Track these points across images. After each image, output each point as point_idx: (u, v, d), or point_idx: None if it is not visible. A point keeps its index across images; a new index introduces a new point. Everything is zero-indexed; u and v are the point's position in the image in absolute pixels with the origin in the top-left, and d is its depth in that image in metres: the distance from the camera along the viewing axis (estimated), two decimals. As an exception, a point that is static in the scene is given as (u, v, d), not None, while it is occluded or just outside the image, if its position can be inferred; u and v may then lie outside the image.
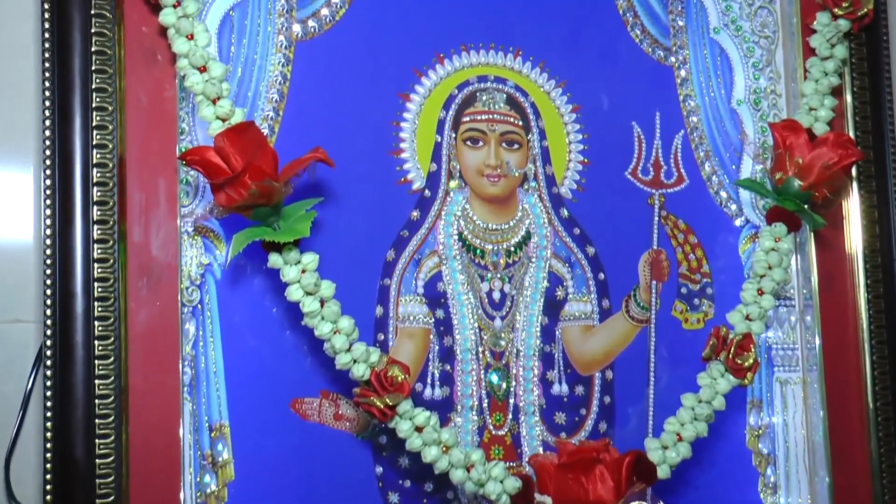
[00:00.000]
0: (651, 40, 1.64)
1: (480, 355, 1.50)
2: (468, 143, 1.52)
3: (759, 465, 1.61)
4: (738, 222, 1.63)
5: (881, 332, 1.59)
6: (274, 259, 1.27)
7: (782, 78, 1.68)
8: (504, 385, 1.49)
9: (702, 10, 1.67)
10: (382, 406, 1.28)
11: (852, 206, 1.63)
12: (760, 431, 1.61)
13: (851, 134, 1.62)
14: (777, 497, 1.60)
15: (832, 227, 1.62)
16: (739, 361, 1.43)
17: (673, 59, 1.65)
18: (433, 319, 1.49)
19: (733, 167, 1.65)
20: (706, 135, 1.65)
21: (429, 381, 1.47)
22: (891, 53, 1.67)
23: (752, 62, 1.67)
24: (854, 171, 1.60)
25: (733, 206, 1.63)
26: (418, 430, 1.30)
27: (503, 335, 1.51)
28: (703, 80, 1.66)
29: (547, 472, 1.33)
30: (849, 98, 1.63)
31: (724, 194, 1.64)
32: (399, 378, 1.28)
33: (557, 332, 1.53)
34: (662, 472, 1.38)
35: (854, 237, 1.63)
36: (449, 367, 1.48)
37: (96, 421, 1.25)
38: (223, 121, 1.26)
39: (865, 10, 1.57)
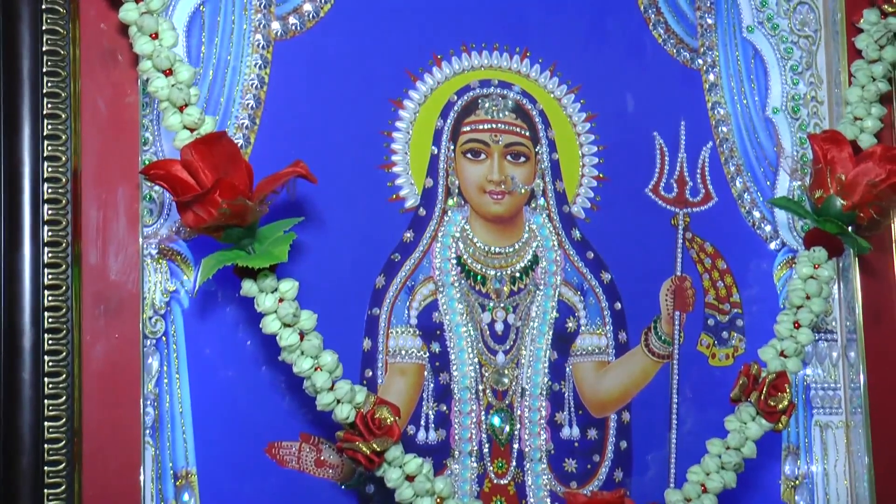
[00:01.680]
0: (676, 40, 1.69)
1: (481, 395, 1.53)
2: (468, 155, 1.56)
3: (796, 520, 1.62)
4: (772, 246, 1.67)
5: None
6: (248, 286, 1.29)
7: (824, 83, 1.72)
8: (507, 428, 1.53)
9: (734, 6, 1.72)
10: (369, 452, 1.31)
11: None
12: (797, 482, 1.66)
13: None
14: (817, 557, 1.63)
15: (879, 251, 1.66)
16: (773, 403, 1.45)
17: (700, 61, 1.70)
18: (428, 354, 1.53)
19: (768, 184, 1.69)
20: (738, 147, 1.70)
21: (422, 423, 1.50)
22: None
23: (790, 65, 1.72)
24: None
25: (768, 228, 1.68)
26: (409, 478, 1.34)
27: (506, 372, 1.54)
28: (735, 85, 1.71)
29: (555, 527, 1.33)
30: None
31: (757, 214, 1.68)
32: (388, 420, 1.32)
33: (568, 369, 1.58)
34: (688, 526, 1.39)
35: None
36: (445, 408, 1.52)
37: (45, 468, 1.27)
38: (191, 130, 1.29)
39: None
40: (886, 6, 1.62)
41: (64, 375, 1.29)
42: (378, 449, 1.31)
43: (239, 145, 1.43)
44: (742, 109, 1.72)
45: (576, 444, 1.57)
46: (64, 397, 1.28)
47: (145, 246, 1.39)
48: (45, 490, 1.27)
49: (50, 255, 1.30)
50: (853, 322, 1.65)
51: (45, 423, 1.27)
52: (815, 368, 1.69)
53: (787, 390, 1.48)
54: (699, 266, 1.67)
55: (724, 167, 1.70)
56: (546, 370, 1.58)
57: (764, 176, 1.70)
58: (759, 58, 1.73)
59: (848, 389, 1.68)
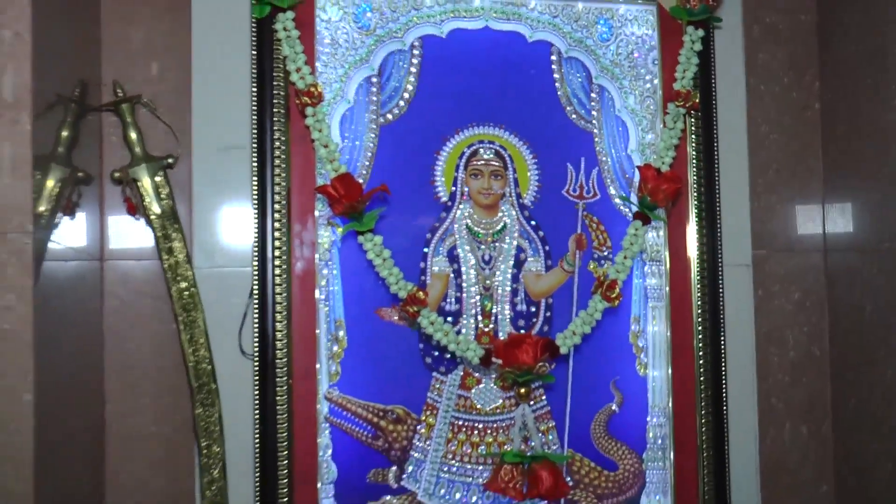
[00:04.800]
0: (579, 117, 2.12)
1: (477, 289, 2.04)
2: (472, 176, 2.05)
3: (637, 352, 2.14)
4: (629, 218, 2.10)
5: (703, 280, 2.13)
6: (360, 238, 1.88)
7: (658, 138, 2.12)
8: (490, 304, 2.04)
9: (610, 99, 2.14)
10: (412, 311, 1.89)
11: (691, 210, 2.13)
12: (638, 333, 2.14)
13: (692, 172, 2.12)
14: (647, 370, 2.15)
15: (680, 221, 2.12)
16: (609, 293, 1.99)
17: (592, 127, 2.13)
18: (452, 270, 2.02)
19: (628, 188, 2.13)
20: (612, 170, 2.13)
21: (450, 301, 2.03)
22: (718, 122, 2.16)
23: (641, 128, 2.14)
24: (696, 192, 2.11)
25: (626, 210, 2.12)
26: (432, 323, 1.90)
27: (490, 279, 2.05)
28: (610, 139, 2.14)
29: (499, 347, 1.94)
30: (690, 149, 2.13)
31: (620, 204, 2.13)
32: (420, 296, 1.89)
33: (521, 278, 2.06)
34: (563, 350, 1.96)
35: (691, 229, 2.14)
36: (459, 294, 2.03)
37: (276, 315, 1.90)
38: (335, 172, 1.87)
39: (692, 101, 2.07)
40: (676, 101, 2.04)
41: (284, 276, 1.90)
42: (416, 309, 1.88)
43: (363, 174, 1.98)
44: (615, 151, 2.13)
45: (523, 313, 2.05)
46: (284, 285, 1.90)
47: (320, 219, 1.93)
48: (276, 324, 1.88)
49: (278, 225, 1.90)
50: (660, 249, 2.12)
51: (276, 296, 1.89)
52: (652, 279, 2.13)
53: (617, 288, 1.98)
54: (590, 228, 2.10)
55: (604, 180, 2.12)
56: (509, 278, 2.05)
57: (626, 184, 2.13)
58: (624, 124, 2.14)
59: (665, 288, 2.12)
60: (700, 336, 2.14)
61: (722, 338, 2.15)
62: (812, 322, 2.30)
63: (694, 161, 2.15)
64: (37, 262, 1.44)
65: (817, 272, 2.31)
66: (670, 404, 2.15)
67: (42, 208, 1.65)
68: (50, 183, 1.70)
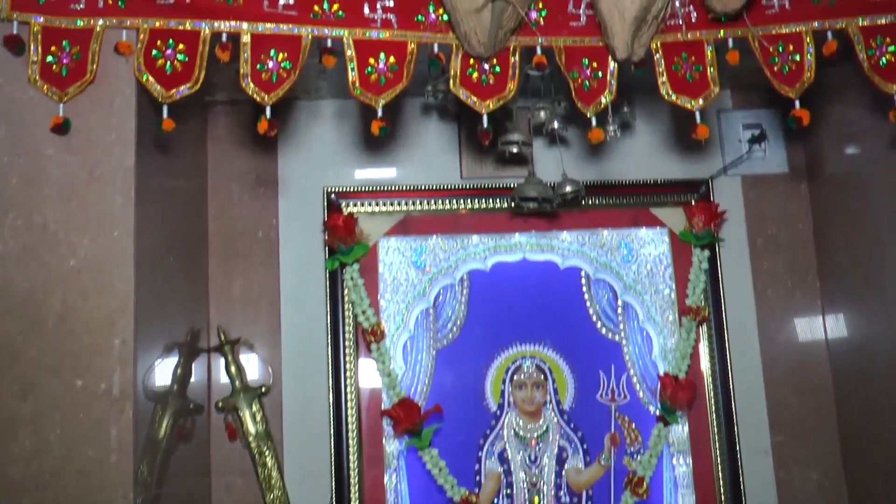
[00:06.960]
0: (607, 330, 2.29)
1: (526, 485, 2.19)
2: (517, 388, 2.23)
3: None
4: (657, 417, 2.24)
5: (723, 466, 2.19)
6: (419, 452, 2.10)
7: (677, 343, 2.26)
8: (537, 498, 2.20)
9: (634, 312, 2.30)
10: None
11: (710, 406, 2.23)
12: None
13: (708, 374, 2.24)
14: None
15: (702, 417, 2.20)
16: (638, 489, 2.13)
17: (620, 338, 2.29)
18: (502, 469, 2.19)
19: (654, 391, 2.26)
20: (638, 375, 2.27)
21: (502, 496, 2.18)
22: (729, 324, 2.26)
23: (662, 336, 2.29)
24: (712, 390, 2.21)
25: (652, 408, 2.26)
26: None
27: (536, 476, 2.19)
28: (636, 348, 2.28)
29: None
30: (704, 357, 2.25)
31: (650, 405, 2.26)
32: (472, 500, 2.10)
33: (563, 474, 2.21)
34: (600, 541, 2.11)
35: (711, 423, 2.23)
36: (510, 490, 2.19)
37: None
38: (397, 397, 2.08)
39: (702, 315, 2.20)
40: (689, 315, 2.17)
41: (358, 486, 2.06)
42: (471, 509, 2.06)
43: (423, 393, 2.14)
44: (641, 358, 2.26)
45: (568, 504, 2.21)
46: (358, 493, 2.05)
47: (386, 435, 2.12)
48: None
49: (351, 443, 2.06)
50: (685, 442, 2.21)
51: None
52: (680, 468, 2.20)
53: (644, 483, 2.10)
54: (622, 427, 2.22)
55: (633, 384, 2.25)
56: (553, 474, 2.19)
57: (653, 387, 2.24)
58: (647, 334, 2.28)
59: (691, 476, 2.20)
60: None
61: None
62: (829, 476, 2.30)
63: (709, 363, 2.26)
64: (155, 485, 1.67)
65: (834, 454, 2.32)
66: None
67: (160, 436, 1.86)
68: (167, 418, 1.90)
